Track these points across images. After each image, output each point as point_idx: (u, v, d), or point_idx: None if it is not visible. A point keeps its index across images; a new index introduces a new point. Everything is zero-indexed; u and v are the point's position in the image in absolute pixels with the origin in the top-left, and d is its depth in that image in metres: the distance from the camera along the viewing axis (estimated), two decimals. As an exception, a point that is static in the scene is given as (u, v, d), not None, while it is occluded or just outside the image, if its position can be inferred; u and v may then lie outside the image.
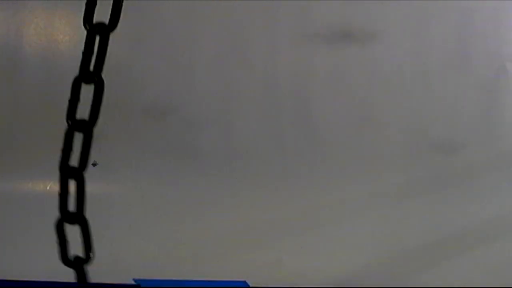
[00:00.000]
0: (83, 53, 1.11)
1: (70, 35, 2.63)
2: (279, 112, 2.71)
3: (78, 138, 1.18)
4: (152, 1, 2.57)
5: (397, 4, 2.66)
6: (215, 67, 2.68)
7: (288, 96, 2.70)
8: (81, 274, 1.19)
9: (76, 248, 1.23)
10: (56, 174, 2.72)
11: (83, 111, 1.18)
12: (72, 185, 1.12)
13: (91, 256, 1.17)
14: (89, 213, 2.51)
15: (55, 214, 2.62)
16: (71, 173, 1.10)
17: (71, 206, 1.15)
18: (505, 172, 2.69)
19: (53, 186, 2.59)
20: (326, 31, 2.66)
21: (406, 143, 2.70)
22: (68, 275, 2.06)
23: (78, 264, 1.18)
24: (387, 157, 2.69)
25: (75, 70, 2.92)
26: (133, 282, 2.03)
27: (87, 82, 1.13)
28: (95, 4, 1.09)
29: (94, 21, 1.12)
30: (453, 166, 2.69)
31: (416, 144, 2.71)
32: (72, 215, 1.14)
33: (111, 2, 1.11)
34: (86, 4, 1.09)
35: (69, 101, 1.11)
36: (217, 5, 2.61)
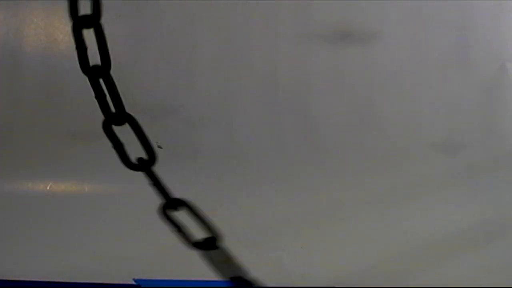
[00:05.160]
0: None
1: (70, 35, 2.61)
2: (279, 112, 2.71)
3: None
4: (152, 1, 2.57)
5: (397, 4, 2.66)
6: (215, 67, 2.68)
7: (288, 96, 2.70)
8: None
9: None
10: (56, 174, 2.72)
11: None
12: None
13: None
14: (89, 213, 2.52)
15: (55, 214, 2.62)
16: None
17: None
18: (505, 172, 2.69)
19: (53, 186, 2.60)
20: (326, 31, 2.66)
21: (406, 143, 2.70)
22: (68, 275, 2.06)
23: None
24: (387, 157, 2.69)
25: (75, 70, 2.92)
26: (133, 282, 2.03)
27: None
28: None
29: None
30: (453, 166, 2.69)
31: (416, 144, 2.71)
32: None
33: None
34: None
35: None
36: (217, 6, 2.61)
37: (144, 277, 2.03)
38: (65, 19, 2.74)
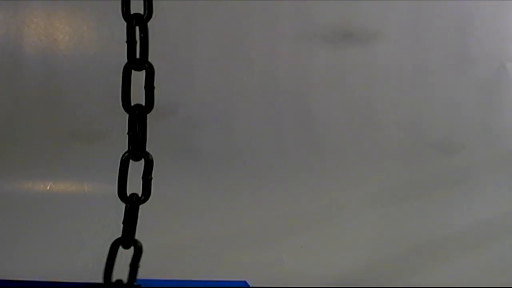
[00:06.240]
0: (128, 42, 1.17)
1: (70, 35, 2.62)
2: (279, 112, 2.70)
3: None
4: (152, 1, 2.57)
5: (397, 4, 2.66)
6: (215, 67, 2.68)
7: (288, 96, 2.70)
8: None
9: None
10: (56, 174, 2.72)
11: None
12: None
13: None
14: (90, 213, 2.52)
15: (55, 214, 2.62)
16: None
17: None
18: (505, 172, 2.69)
19: (53, 186, 2.60)
20: (326, 31, 2.66)
21: (406, 143, 2.70)
22: (68, 275, 2.06)
23: None
24: (387, 157, 2.69)
25: (75, 70, 2.93)
26: (133, 282, 2.02)
27: (137, 69, 1.21)
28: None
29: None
30: (453, 166, 2.69)
31: (416, 144, 2.71)
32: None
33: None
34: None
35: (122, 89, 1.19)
36: (217, 5, 2.61)
37: (144, 277, 2.03)
38: (65, 19, 2.74)
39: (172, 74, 2.67)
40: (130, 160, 1.25)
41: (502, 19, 2.73)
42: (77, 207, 2.50)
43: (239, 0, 2.60)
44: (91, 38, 2.58)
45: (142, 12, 1.20)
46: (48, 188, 2.58)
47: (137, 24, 1.19)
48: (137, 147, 1.22)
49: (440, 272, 2.17)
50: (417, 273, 2.18)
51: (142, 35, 1.18)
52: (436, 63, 2.72)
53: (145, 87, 1.21)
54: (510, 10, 2.73)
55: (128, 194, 1.25)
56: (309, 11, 2.66)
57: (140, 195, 1.26)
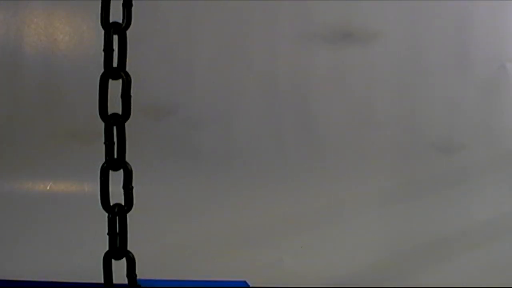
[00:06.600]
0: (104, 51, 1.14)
1: (70, 35, 2.63)
2: (279, 112, 2.71)
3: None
4: (152, 1, 2.57)
5: (397, 4, 2.66)
6: (215, 67, 2.68)
7: (288, 96, 2.70)
8: None
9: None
10: (56, 174, 2.73)
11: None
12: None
13: None
14: (89, 213, 2.51)
15: (55, 214, 2.62)
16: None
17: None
18: (505, 172, 2.69)
19: (53, 186, 2.60)
20: (326, 31, 2.66)
21: (406, 143, 2.70)
22: (68, 275, 2.06)
23: None
24: (387, 157, 2.69)
25: (75, 70, 2.94)
26: (133, 282, 2.02)
27: (114, 78, 1.17)
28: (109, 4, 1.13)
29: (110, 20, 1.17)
30: (453, 166, 2.69)
31: (416, 144, 2.71)
32: None
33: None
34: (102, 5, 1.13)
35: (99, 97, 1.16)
36: (217, 5, 2.61)
37: (144, 277, 2.03)
38: (65, 19, 2.74)
39: (172, 74, 2.67)
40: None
41: (502, 19, 2.73)
42: (77, 207, 2.50)
43: (239, 0, 2.60)
44: (91, 38, 2.58)
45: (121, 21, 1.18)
46: (48, 188, 2.58)
47: (115, 32, 1.16)
48: (113, 157, 1.19)
49: (440, 272, 2.17)
50: (417, 273, 2.18)
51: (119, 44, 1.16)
52: (436, 63, 2.72)
53: (122, 96, 1.18)
54: (510, 10, 2.73)
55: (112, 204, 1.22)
56: (309, 11, 2.66)
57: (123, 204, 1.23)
